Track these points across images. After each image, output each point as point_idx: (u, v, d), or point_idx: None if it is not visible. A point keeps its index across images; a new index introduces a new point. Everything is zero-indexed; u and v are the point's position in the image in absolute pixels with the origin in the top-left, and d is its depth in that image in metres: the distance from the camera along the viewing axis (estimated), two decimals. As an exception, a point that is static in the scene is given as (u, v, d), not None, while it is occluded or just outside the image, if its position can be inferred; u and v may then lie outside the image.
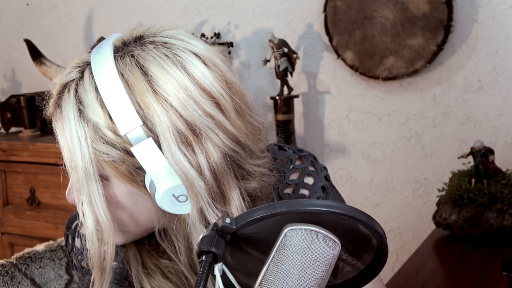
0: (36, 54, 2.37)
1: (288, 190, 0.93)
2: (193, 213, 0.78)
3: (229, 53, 2.27)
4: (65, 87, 0.79)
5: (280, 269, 0.59)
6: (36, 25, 2.77)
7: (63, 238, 1.35)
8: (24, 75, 2.82)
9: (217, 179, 0.78)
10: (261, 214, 0.61)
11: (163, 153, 0.75)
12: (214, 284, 0.61)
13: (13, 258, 1.23)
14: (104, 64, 0.76)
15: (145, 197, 0.79)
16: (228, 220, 0.61)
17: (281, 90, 2.12)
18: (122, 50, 0.78)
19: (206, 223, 0.78)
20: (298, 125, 2.22)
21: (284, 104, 2.11)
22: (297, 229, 0.59)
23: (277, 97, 2.12)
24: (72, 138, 0.77)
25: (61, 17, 2.69)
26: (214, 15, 2.32)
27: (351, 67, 2.07)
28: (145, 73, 0.75)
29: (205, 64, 0.78)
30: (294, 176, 0.94)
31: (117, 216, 0.81)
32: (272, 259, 0.59)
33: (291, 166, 0.94)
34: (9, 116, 2.56)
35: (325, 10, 2.08)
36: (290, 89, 2.12)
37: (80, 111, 0.76)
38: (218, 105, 0.77)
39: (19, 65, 2.82)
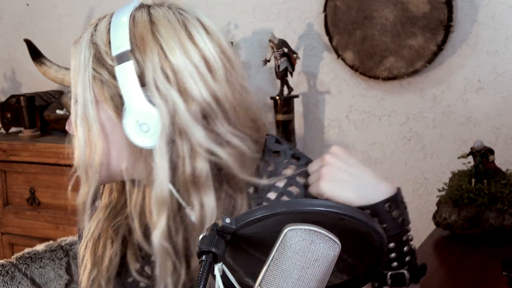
0: (36, 54, 2.37)
1: (280, 184, 0.92)
2: (157, 146, 0.85)
3: (229, 53, 2.27)
4: None
5: (280, 269, 0.59)
6: (36, 25, 2.77)
7: (63, 238, 1.35)
8: (24, 75, 2.82)
9: (183, 124, 0.85)
10: (261, 214, 0.61)
11: (143, 83, 0.84)
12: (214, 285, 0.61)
13: (13, 258, 1.24)
14: (124, 8, 0.90)
15: (120, 130, 0.87)
16: (228, 220, 0.61)
17: (281, 90, 2.12)
18: (144, 6, 0.91)
19: (171, 164, 0.85)
20: (298, 125, 2.22)
21: (284, 104, 2.11)
22: (297, 229, 0.59)
23: (277, 97, 2.12)
24: (80, 59, 0.88)
25: (61, 17, 2.69)
26: (214, 15, 2.32)
27: (351, 67, 2.07)
28: (150, 17, 0.87)
29: (206, 30, 0.89)
30: (287, 171, 0.93)
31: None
32: (272, 259, 0.59)
33: (285, 161, 0.94)
34: (9, 116, 2.56)
35: (325, 10, 2.08)
36: (290, 89, 2.12)
37: (92, 35, 0.89)
38: (206, 61, 0.86)
39: (19, 65, 2.82)
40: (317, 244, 0.59)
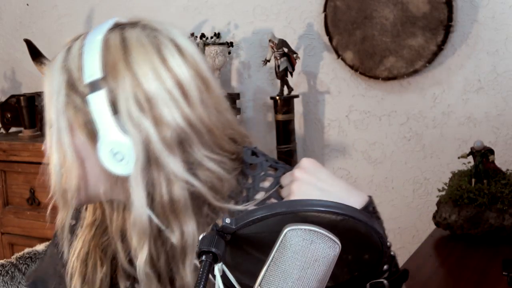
0: (36, 54, 2.37)
1: (259, 196, 0.91)
2: (132, 175, 0.83)
3: (229, 53, 2.27)
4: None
5: (280, 269, 0.59)
6: (36, 25, 2.77)
7: (63, 238, 1.34)
8: (24, 75, 2.82)
9: (157, 153, 0.83)
10: (261, 214, 0.61)
11: (117, 111, 0.82)
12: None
13: (13, 258, 1.23)
14: (98, 30, 0.87)
15: (95, 156, 0.84)
16: (228, 220, 0.61)
17: (281, 90, 2.12)
18: (118, 27, 0.88)
19: (147, 191, 0.83)
20: (298, 125, 2.22)
21: (284, 104, 2.11)
22: (297, 229, 0.59)
23: (277, 97, 2.12)
24: (52, 84, 0.86)
25: (61, 17, 2.69)
26: (214, 15, 2.32)
27: (351, 67, 2.07)
28: (123, 41, 0.85)
29: (180, 52, 0.86)
30: (265, 184, 0.92)
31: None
32: (272, 259, 0.59)
33: (262, 173, 0.93)
34: (9, 116, 2.56)
35: (325, 10, 2.08)
36: (290, 89, 2.12)
37: (64, 59, 0.87)
38: (180, 85, 0.84)
39: (19, 65, 2.82)
40: (317, 244, 0.59)
